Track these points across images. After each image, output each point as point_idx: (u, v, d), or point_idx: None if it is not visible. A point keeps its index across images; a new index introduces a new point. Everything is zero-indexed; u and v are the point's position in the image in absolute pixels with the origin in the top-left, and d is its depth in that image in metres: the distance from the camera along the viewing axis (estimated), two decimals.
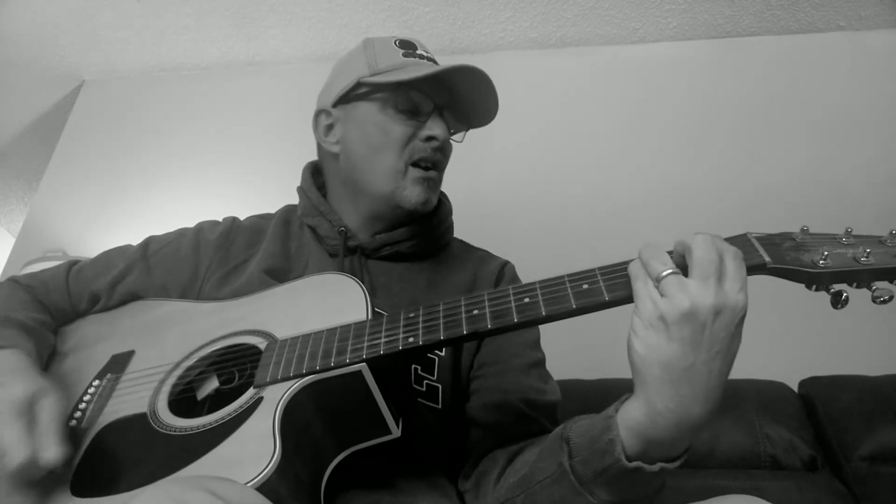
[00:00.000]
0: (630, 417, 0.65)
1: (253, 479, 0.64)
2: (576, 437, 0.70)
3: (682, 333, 0.60)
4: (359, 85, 1.01)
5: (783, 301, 1.64)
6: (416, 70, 0.97)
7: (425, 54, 1.05)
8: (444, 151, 1.03)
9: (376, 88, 1.00)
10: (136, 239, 1.12)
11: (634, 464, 0.64)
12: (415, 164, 1.00)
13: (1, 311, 0.93)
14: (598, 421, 0.69)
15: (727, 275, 0.61)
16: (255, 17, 2.18)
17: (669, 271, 0.62)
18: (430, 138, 0.99)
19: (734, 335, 0.61)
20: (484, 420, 0.93)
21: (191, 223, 1.13)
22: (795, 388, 1.48)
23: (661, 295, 0.61)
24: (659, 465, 0.65)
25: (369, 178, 1.01)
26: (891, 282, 0.64)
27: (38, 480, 0.73)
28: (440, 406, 0.93)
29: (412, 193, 0.99)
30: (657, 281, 0.62)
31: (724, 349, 0.61)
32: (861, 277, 0.64)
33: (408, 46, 1.04)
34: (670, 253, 0.65)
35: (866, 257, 0.63)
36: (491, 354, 0.98)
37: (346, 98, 1.04)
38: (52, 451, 0.71)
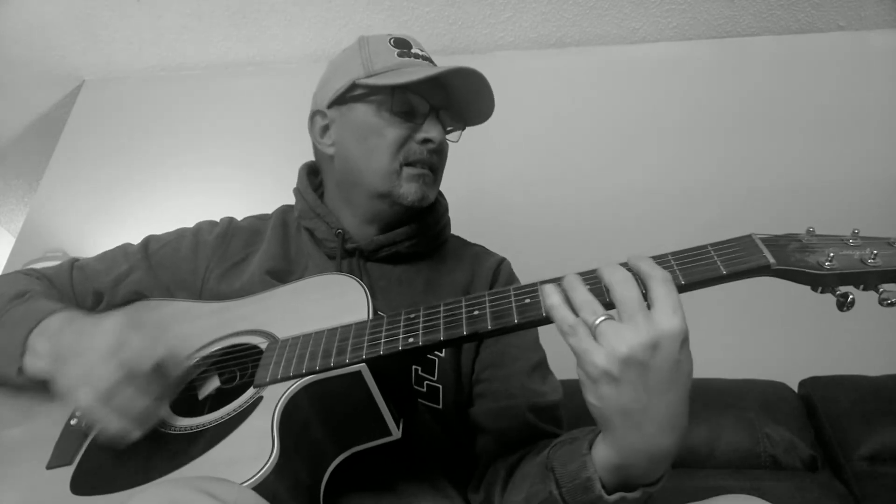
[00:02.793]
0: (603, 457, 0.67)
1: (250, 479, 0.64)
2: (559, 467, 0.72)
3: (629, 377, 0.60)
4: (354, 86, 1.01)
5: (783, 301, 1.65)
6: (412, 73, 0.97)
7: (420, 53, 1.04)
8: (439, 153, 1.03)
9: (372, 90, 1.00)
10: (135, 239, 1.11)
11: (616, 496, 0.66)
12: (409, 164, 1.00)
13: (36, 288, 0.95)
14: (574, 456, 0.71)
15: (655, 303, 0.61)
16: (255, 17, 2.18)
17: (601, 319, 0.61)
18: (425, 140, 0.99)
19: (680, 360, 0.61)
20: (489, 426, 0.93)
21: (191, 223, 1.13)
22: (795, 388, 1.48)
23: (599, 344, 0.61)
24: (641, 489, 0.66)
25: (365, 179, 1.01)
26: None
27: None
28: (441, 407, 0.92)
29: (409, 190, 0.99)
30: (592, 329, 0.62)
31: (673, 378, 0.61)
32: (868, 279, 0.63)
33: (402, 45, 1.04)
34: (593, 279, 0.66)
35: (873, 259, 0.62)
36: (494, 357, 0.98)
37: (342, 99, 1.03)
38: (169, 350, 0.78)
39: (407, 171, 0.99)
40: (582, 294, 0.64)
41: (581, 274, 0.68)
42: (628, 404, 0.61)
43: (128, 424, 0.74)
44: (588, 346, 0.62)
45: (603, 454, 0.66)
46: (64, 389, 0.76)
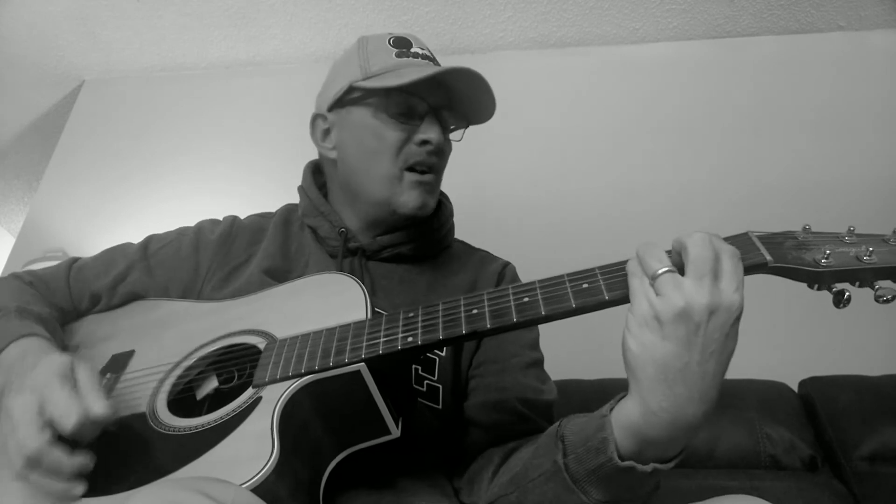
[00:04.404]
0: (624, 416, 0.65)
1: (250, 479, 0.64)
2: (570, 435, 0.70)
3: (677, 333, 0.59)
4: (352, 89, 1.00)
5: (783, 301, 1.65)
6: (408, 74, 0.96)
7: (420, 52, 1.03)
8: (439, 154, 1.02)
9: (368, 93, 0.99)
10: (135, 239, 1.11)
11: (627, 463, 0.64)
12: (410, 169, 0.99)
13: (15, 303, 0.93)
14: (592, 419, 0.69)
15: (723, 274, 0.60)
16: (255, 17, 2.18)
17: (665, 269, 0.61)
18: (424, 142, 0.98)
19: (729, 335, 0.61)
20: (481, 418, 0.93)
21: (191, 223, 1.13)
22: (795, 388, 1.48)
23: (657, 293, 0.61)
24: (652, 465, 0.64)
25: (366, 185, 1.01)
26: (894, 281, 0.63)
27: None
28: (441, 406, 0.92)
29: (409, 198, 0.98)
30: (653, 279, 0.62)
31: (719, 349, 0.60)
32: (864, 276, 0.64)
33: (402, 45, 1.03)
34: (669, 252, 0.64)
35: (869, 256, 0.63)
36: (490, 353, 0.98)
37: (341, 102, 1.03)
38: (99, 405, 0.71)
39: (408, 177, 0.99)
40: (652, 248, 0.64)
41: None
42: (668, 357, 0.60)
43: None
44: (644, 290, 0.62)
45: (626, 412, 0.65)
46: (4, 432, 0.73)
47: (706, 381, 0.61)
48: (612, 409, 0.67)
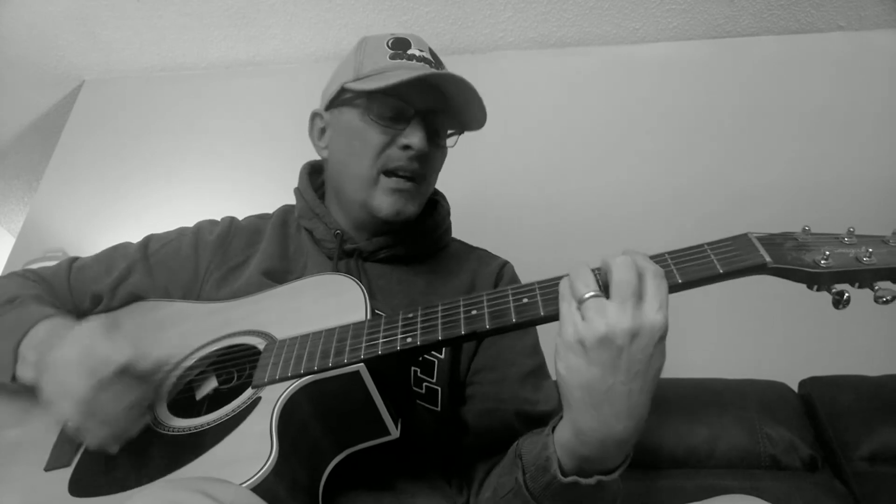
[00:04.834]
0: (560, 436, 0.68)
1: (249, 479, 0.64)
2: (525, 454, 0.74)
3: (601, 357, 0.61)
4: (343, 90, 1.00)
5: (783, 301, 1.65)
6: (394, 76, 0.93)
7: (418, 53, 1.01)
8: (422, 160, 0.98)
9: (357, 94, 0.99)
10: (135, 239, 1.11)
11: (570, 479, 0.67)
12: (389, 173, 0.97)
13: (30, 292, 0.96)
14: (539, 438, 0.73)
15: (646, 295, 0.62)
16: (255, 17, 2.18)
17: (591, 294, 0.63)
18: (406, 147, 0.96)
19: (654, 354, 0.62)
20: (475, 427, 0.94)
21: (191, 223, 1.13)
22: (795, 388, 1.48)
23: (583, 318, 0.62)
24: (596, 478, 0.67)
25: (346, 185, 1.01)
26: (893, 282, 0.64)
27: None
28: (440, 409, 0.92)
29: (383, 203, 0.97)
30: (579, 303, 0.63)
31: (644, 369, 0.62)
32: (863, 277, 0.64)
33: (400, 46, 1.01)
34: (598, 270, 0.66)
35: (868, 257, 0.63)
36: (489, 360, 0.98)
37: (334, 103, 1.03)
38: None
39: (384, 182, 0.97)
40: (582, 271, 0.65)
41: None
42: (592, 381, 0.62)
43: (109, 431, 0.75)
44: (571, 315, 0.63)
45: (561, 433, 0.68)
46: (46, 400, 0.78)
47: (632, 399, 0.63)
48: (553, 428, 0.70)
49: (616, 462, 0.68)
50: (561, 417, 0.69)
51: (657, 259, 0.68)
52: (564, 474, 0.68)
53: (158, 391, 0.84)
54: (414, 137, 0.95)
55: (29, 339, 0.84)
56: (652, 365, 0.62)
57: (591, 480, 0.67)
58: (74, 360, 0.76)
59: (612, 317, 0.60)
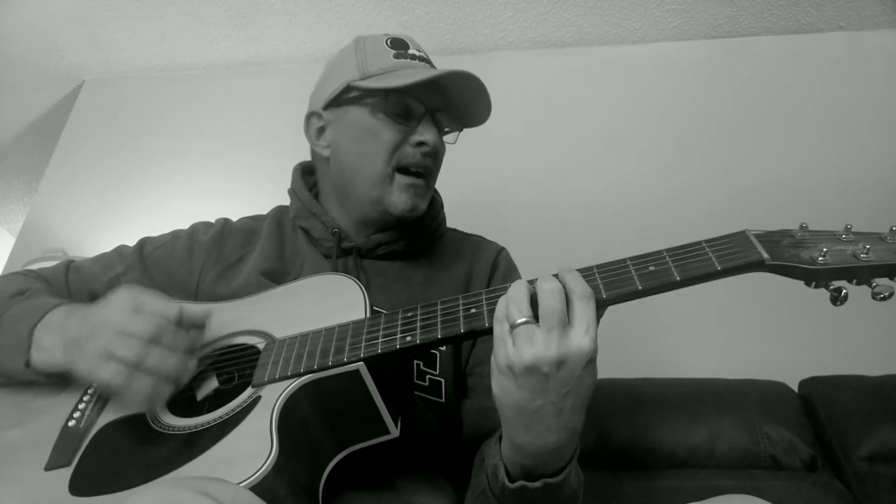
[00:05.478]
0: (504, 447, 0.73)
1: (249, 478, 0.64)
2: (486, 458, 0.79)
3: (528, 383, 0.63)
4: (349, 88, 1.01)
5: (783, 301, 1.65)
6: (407, 75, 0.96)
7: (417, 53, 1.04)
8: (434, 157, 1.02)
9: (366, 93, 0.99)
10: (135, 239, 1.11)
11: (517, 483, 0.70)
12: (402, 170, 0.99)
13: (37, 285, 0.96)
14: (493, 446, 0.77)
15: (574, 320, 0.64)
16: (255, 17, 2.18)
17: (522, 320, 0.64)
18: (420, 143, 0.98)
19: (583, 375, 0.64)
20: (474, 424, 0.94)
21: (190, 223, 1.13)
22: (795, 388, 1.48)
23: (514, 343, 0.64)
24: (542, 481, 0.69)
25: (357, 184, 1.01)
26: (891, 278, 0.64)
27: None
28: (443, 400, 0.93)
29: (399, 200, 0.99)
30: (512, 328, 0.64)
31: (574, 388, 0.64)
32: (861, 274, 0.64)
33: (399, 46, 1.03)
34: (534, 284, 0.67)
35: (866, 254, 0.63)
36: (487, 353, 0.98)
37: (337, 101, 1.03)
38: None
39: (399, 179, 0.99)
40: (518, 294, 0.66)
41: (530, 281, 0.69)
42: (522, 402, 0.65)
43: (162, 383, 0.75)
44: (504, 339, 0.65)
45: (504, 444, 0.72)
46: (85, 372, 0.76)
47: (563, 415, 0.65)
48: (500, 438, 0.74)
49: (558, 466, 0.70)
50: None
51: (655, 256, 0.69)
52: (512, 480, 0.71)
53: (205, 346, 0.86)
54: (428, 134, 0.98)
55: (44, 323, 0.84)
56: (582, 384, 0.65)
57: (538, 484, 0.70)
58: (119, 318, 0.75)
59: (538, 346, 0.62)
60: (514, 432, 0.68)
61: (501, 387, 0.66)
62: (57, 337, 0.81)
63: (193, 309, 0.82)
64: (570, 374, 0.63)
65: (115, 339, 0.73)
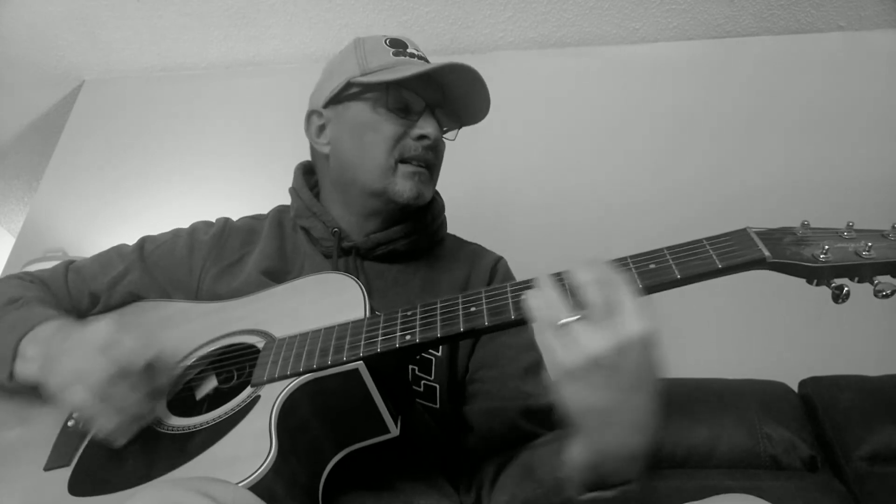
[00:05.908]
0: (577, 455, 0.68)
1: (248, 478, 0.64)
2: (538, 469, 0.78)
3: (596, 380, 0.60)
4: (349, 85, 1.01)
5: (784, 301, 1.65)
6: (407, 69, 0.97)
7: (416, 52, 1.05)
8: (435, 150, 1.03)
9: (367, 88, 1.00)
10: (135, 239, 1.11)
11: (590, 495, 0.68)
12: (405, 162, 1.00)
13: (31, 294, 0.96)
14: (553, 456, 0.74)
15: (621, 307, 0.60)
16: (255, 17, 2.18)
17: (569, 320, 0.61)
18: (421, 137, 0.99)
19: (647, 362, 0.61)
20: (480, 426, 0.93)
21: (190, 223, 1.13)
22: (795, 388, 1.48)
23: (568, 345, 0.61)
24: (618, 489, 0.67)
25: (360, 177, 1.01)
26: (893, 276, 0.63)
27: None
28: (438, 406, 0.92)
29: (404, 188, 0.99)
30: (559, 329, 0.61)
31: (643, 379, 0.61)
32: (863, 271, 0.64)
33: (398, 45, 1.04)
34: (559, 277, 0.66)
35: (868, 251, 0.63)
36: (488, 357, 0.98)
37: (337, 99, 1.04)
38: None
39: (402, 168, 0.99)
40: (550, 294, 0.64)
41: (553, 275, 0.67)
42: (597, 404, 0.61)
43: (122, 420, 0.75)
44: (554, 342, 0.62)
45: (577, 452, 0.68)
46: (55, 388, 0.77)
47: (639, 411, 0.62)
48: (567, 447, 0.70)
49: (635, 472, 0.67)
50: (572, 435, 0.69)
51: (656, 254, 0.69)
52: (587, 489, 0.68)
53: (174, 385, 0.85)
54: (429, 127, 0.99)
55: (31, 337, 0.84)
56: (649, 373, 0.62)
57: (613, 493, 0.67)
58: (95, 347, 0.76)
59: (598, 339, 0.59)
60: (598, 437, 0.64)
61: (570, 394, 0.62)
62: (39, 349, 0.82)
63: (163, 359, 0.82)
64: (635, 361, 0.60)
65: (85, 367, 0.75)
